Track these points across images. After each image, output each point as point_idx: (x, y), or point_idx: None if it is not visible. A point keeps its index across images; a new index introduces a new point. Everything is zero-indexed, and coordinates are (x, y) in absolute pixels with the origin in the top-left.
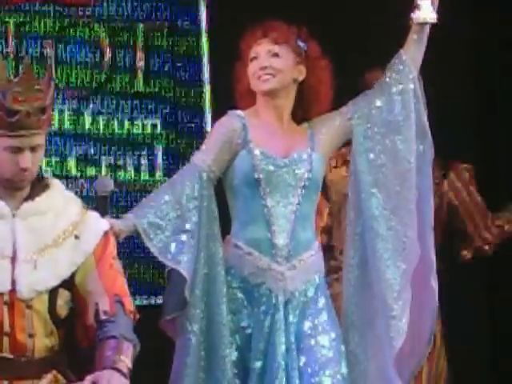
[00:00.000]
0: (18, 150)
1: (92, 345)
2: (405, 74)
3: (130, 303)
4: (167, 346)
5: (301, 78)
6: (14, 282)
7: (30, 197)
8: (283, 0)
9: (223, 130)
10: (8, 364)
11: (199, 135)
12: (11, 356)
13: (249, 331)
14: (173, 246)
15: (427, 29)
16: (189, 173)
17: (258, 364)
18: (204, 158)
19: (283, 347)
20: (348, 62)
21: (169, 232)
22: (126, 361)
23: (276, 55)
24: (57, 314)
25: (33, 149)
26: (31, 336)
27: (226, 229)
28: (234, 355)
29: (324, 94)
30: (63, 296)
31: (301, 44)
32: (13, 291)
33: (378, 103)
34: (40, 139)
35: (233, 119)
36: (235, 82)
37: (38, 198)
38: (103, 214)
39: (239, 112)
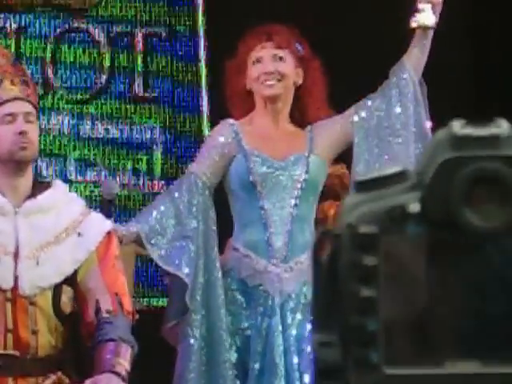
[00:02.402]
0: (12, 119)
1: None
2: (405, 79)
3: (128, 303)
4: (167, 349)
5: (300, 82)
6: (16, 279)
7: (33, 195)
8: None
9: (215, 138)
10: (13, 361)
11: (197, 139)
12: (16, 353)
13: (248, 333)
14: (173, 252)
15: (430, 34)
16: (185, 181)
17: (257, 365)
18: (199, 165)
19: (281, 348)
20: (346, 66)
21: (169, 238)
22: (124, 364)
23: (281, 59)
24: (61, 311)
25: (26, 118)
26: (34, 333)
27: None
28: (234, 357)
29: (319, 94)
30: (67, 292)
31: (299, 47)
32: (15, 288)
33: (378, 107)
34: (31, 108)
35: (224, 127)
36: (228, 82)
37: (40, 196)
38: (108, 216)
39: (231, 120)
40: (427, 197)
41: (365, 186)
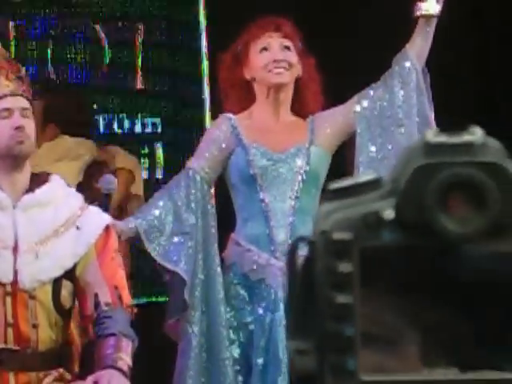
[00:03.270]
0: (8, 114)
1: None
2: (408, 67)
3: (127, 297)
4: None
5: (300, 74)
6: (16, 273)
7: (31, 189)
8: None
9: (213, 133)
10: (13, 356)
11: (199, 133)
12: (16, 347)
13: (251, 327)
14: (171, 248)
15: (434, 22)
16: (183, 176)
17: (260, 360)
18: (197, 161)
19: (284, 343)
20: (346, 60)
21: (167, 235)
22: (126, 359)
23: (288, 49)
24: (61, 305)
25: (22, 113)
26: (35, 326)
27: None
28: (237, 352)
29: (316, 88)
30: (66, 287)
31: (299, 42)
32: (15, 282)
33: (381, 96)
34: (27, 104)
35: (222, 121)
36: (223, 74)
37: (39, 191)
38: (105, 211)
39: (229, 114)
40: (402, 203)
41: (339, 193)
